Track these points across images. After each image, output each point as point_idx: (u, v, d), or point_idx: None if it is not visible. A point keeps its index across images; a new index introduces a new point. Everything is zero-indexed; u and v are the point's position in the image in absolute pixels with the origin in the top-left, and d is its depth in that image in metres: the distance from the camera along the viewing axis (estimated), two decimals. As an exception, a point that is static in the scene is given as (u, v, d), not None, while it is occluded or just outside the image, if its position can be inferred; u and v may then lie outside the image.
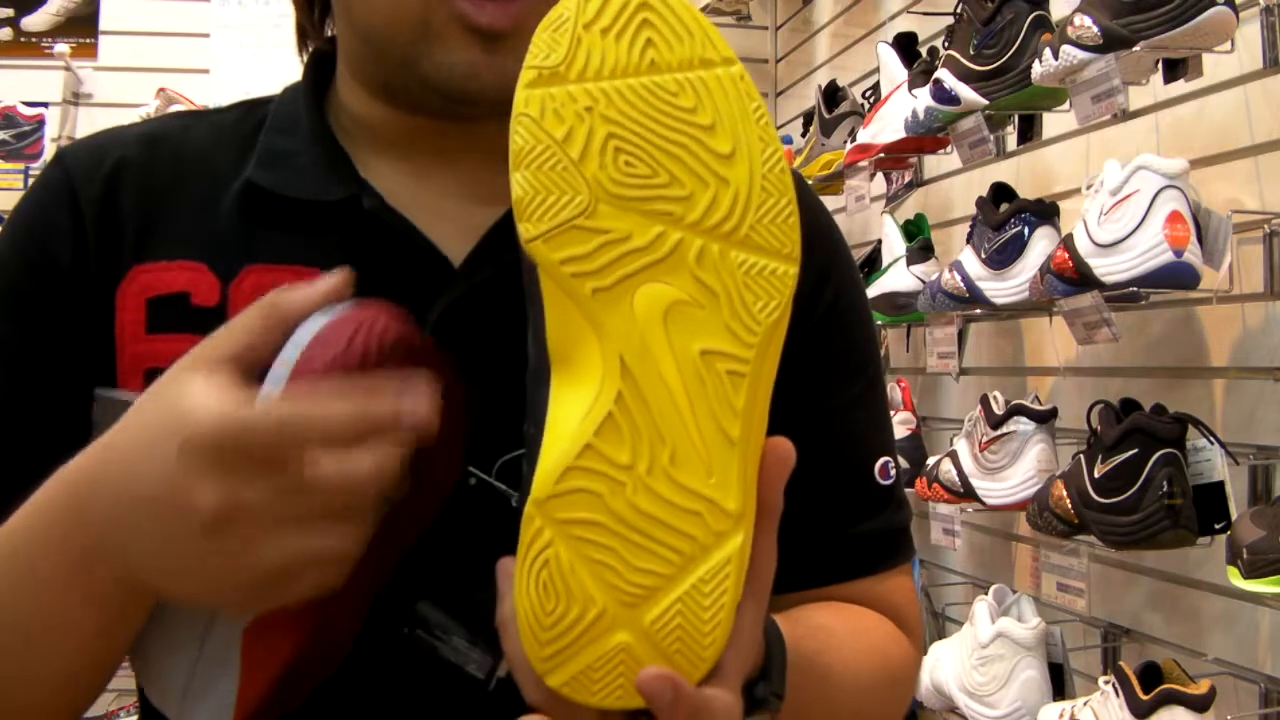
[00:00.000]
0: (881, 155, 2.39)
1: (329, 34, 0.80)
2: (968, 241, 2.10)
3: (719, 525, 0.53)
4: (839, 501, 0.79)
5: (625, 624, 0.52)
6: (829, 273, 0.80)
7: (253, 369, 0.56)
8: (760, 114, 0.55)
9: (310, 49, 0.81)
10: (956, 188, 2.54)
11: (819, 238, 0.78)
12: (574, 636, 0.52)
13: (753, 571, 0.54)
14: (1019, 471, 1.97)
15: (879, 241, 2.56)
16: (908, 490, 1.71)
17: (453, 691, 0.67)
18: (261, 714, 0.60)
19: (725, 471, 0.53)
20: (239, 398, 0.53)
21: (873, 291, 2.41)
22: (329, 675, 0.63)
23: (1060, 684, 1.92)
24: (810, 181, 2.43)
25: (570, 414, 0.53)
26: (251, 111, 0.78)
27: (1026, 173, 2.24)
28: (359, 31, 0.72)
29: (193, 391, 0.53)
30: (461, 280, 0.70)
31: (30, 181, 3.25)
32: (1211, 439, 1.63)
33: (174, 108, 3.02)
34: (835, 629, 0.74)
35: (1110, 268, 1.66)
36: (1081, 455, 1.75)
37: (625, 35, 0.55)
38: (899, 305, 2.36)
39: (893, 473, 0.81)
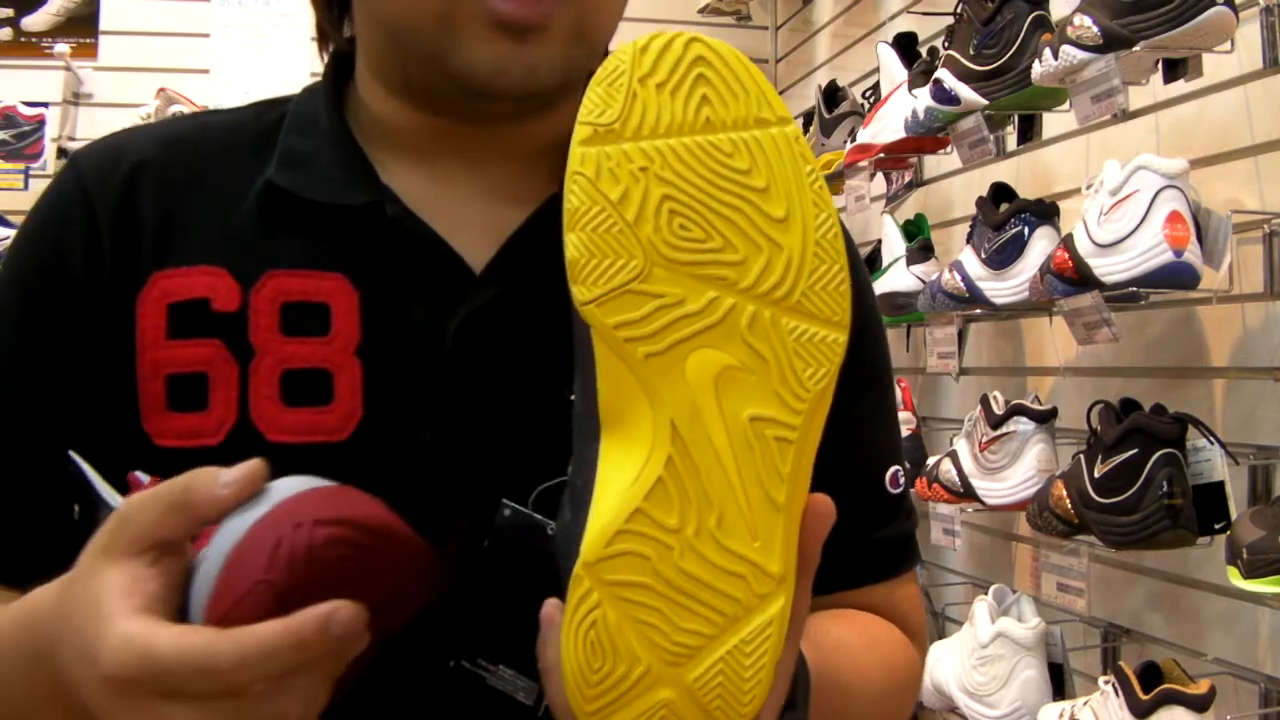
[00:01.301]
0: (881, 155, 2.39)
1: (348, 34, 0.78)
2: (968, 241, 2.10)
3: (762, 588, 0.53)
4: (852, 511, 0.77)
5: (669, 681, 0.53)
6: None
7: (164, 547, 0.53)
8: (815, 178, 0.55)
9: (330, 50, 0.79)
10: (956, 188, 2.54)
11: None
12: (619, 693, 0.53)
13: (795, 623, 0.55)
14: (1019, 471, 1.97)
15: (879, 241, 2.56)
16: (908, 490, 1.71)
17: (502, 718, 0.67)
18: None
19: (770, 535, 0.54)
20: (149, 625, 0.51)
21: (873, 291, 2.40)
22: None
23: (1060, 684, 1.92)
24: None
25: (620, 477, 0.53)
26: (269, 110, 0.77)
27: (1026, 173, 2.24)
28: (381, 27, 0.70)
29: (107, 606, 0.51)
30: (483, 288, 0.69)
31: (30, 182, 3.24)
32: (1211, 439, 1.63)
33: (174, 108, 3.02)
34: (851, 645, 0.75)
35: (1110, 268, 1.66)
36: (1081, 455, 1.75)
37: (681, 91, 0.54)
38: (899, 305, 2.36)
39: (902, 481, 0.83)
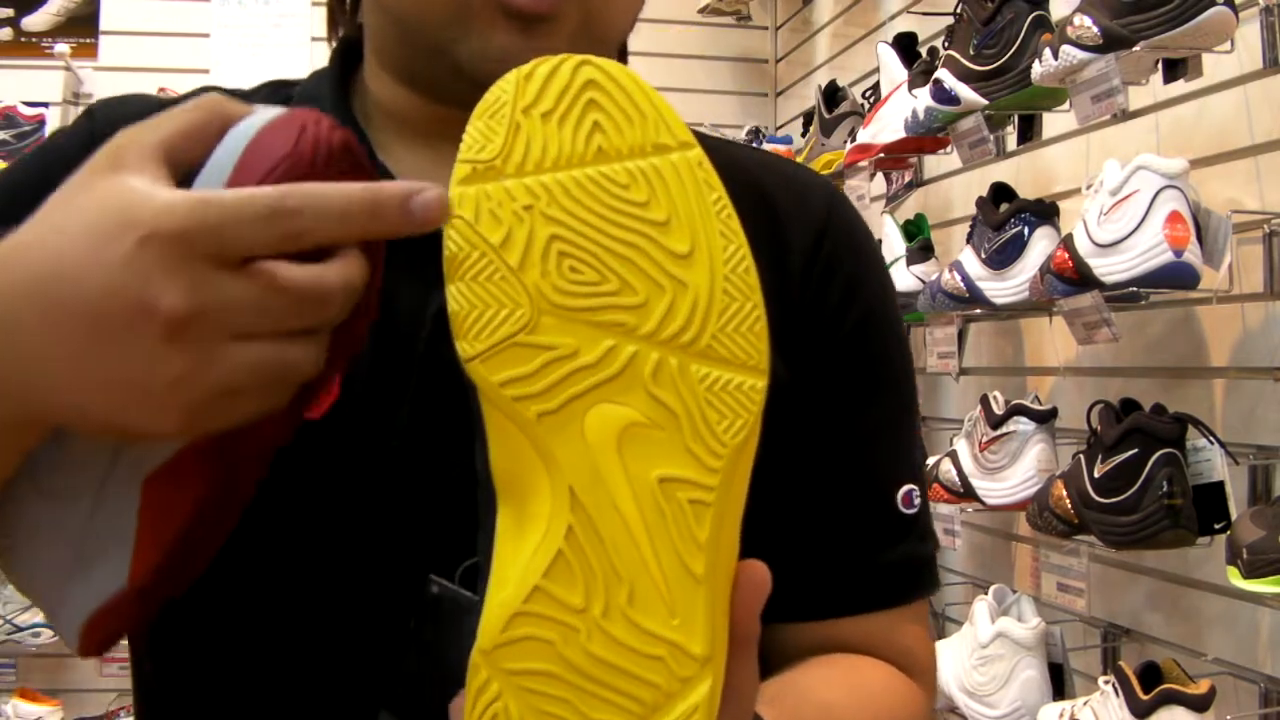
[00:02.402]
0: (881, 155, 2.39)
1: (359, 21, 0.77)
2: (968, 241, 2.10)
3: (684, 670, 0.47)
4: (853, 528, 0.74)
5: None
6: (859, 286, 0.76)
7: (178, 159, 0.49)
8: (721, 205, 0.49)
9: (340, 35, 0.78)
10: (956, 188, 2.54)
11: (850, 249, 0.76)
12: None
13: (733, 704, 0.49)
14: (1019, 471, 1.98)
15: (879, 242, 2.56)
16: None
17: None
18: (158, 583, 0.53)
19: (690, 611, 0.47)
20: (189, 192, 0.47)
21: (873, 291, 2.40)
22: (221, 542, 0.57)
23: (1060, 684, 1.92)
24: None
25: (517, 553, 0.48)
26: (276, 92, 0.76)
27: (1026, 173, 2.24)
28: (390, 16, 0.69)
29: (138, 183, 0.47)
30: None
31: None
32: (1211, 439, 1.63)
33: (174, 107, 3.02)
34: (838, 707, 0.69)
35: (1110, 268, 1.66)
36: (1081, 455, 1.75)
37: (570, 119, 0.49)
38: (899, 305, 2.36)
39: (917, 501, 0.76)
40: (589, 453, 0.48)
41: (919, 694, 0.75)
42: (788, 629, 0.72)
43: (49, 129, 3.14)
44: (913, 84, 2.28)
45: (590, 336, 0.48)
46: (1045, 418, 1.98)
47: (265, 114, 0.50)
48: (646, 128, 0.49)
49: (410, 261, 0.65)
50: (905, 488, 0.75)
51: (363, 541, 0.65)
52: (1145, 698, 1.56)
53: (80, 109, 3.47)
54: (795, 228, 0.74)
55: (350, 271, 0.48)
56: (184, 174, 0.49)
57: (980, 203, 2.09)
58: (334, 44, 0.78)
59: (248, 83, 0.78)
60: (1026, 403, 2.01)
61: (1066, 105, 1.79)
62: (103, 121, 0.71)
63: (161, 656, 0.70)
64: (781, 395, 0.71)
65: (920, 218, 2.48)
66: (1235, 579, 1.45)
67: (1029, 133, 2.04)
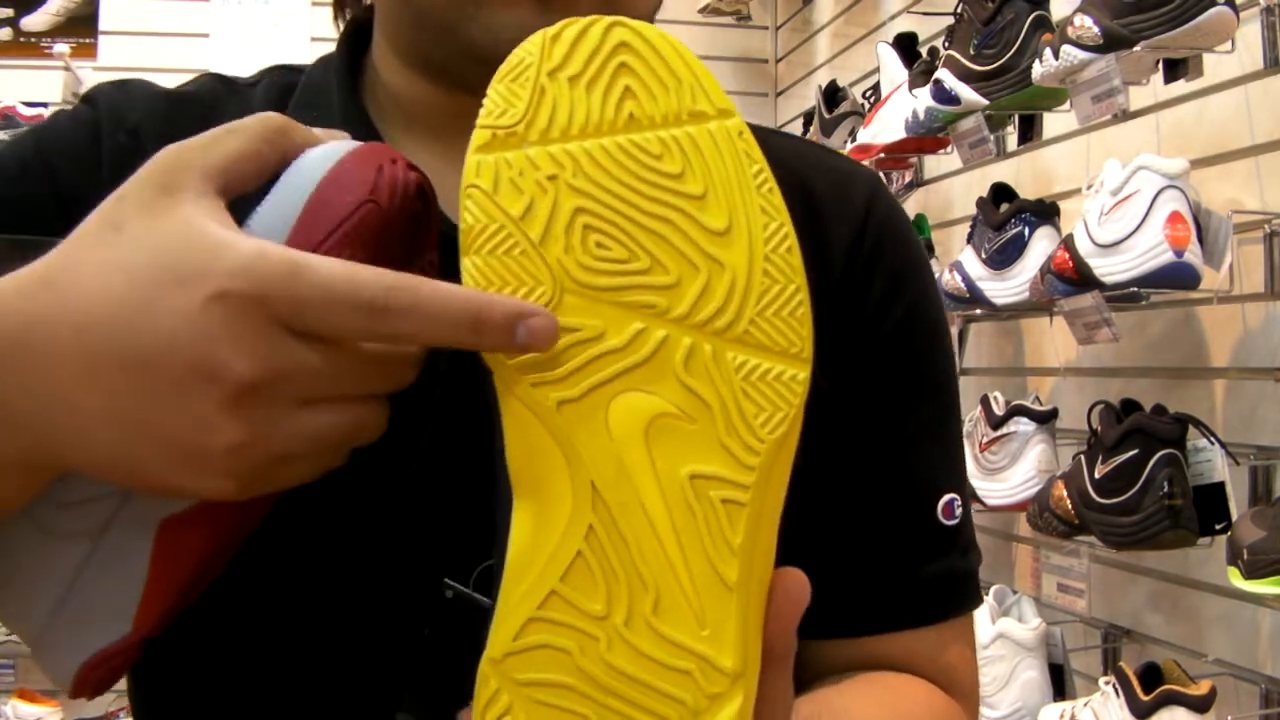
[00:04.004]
0: (881, 155, 2.39)
1: (367, 1, 0.72)
2: (968, 241, 2.10)
3: (713, 687, 0.43)
4: (891, 540, 0.70)
5: None
6: (903, 283, 0.71)
7: (233, 187, 0.46)
8: (763, 179, 0.45)
9: (347, 18, 0.73)
10: (956, 188, 2.54)
11: (893, 243, 0.72)
12: None
13: None
14: (1019, 472, 1.97)
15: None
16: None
17: None
18: (163, 621, 0.50)
19: (720, 622, 0.43)
20: (279, 245, 0.43)
21: (873, 292, 2.41)
22: (221, 572, 0.55)
23: (1060, 684, 1.92)
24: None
25: (532, 554, 0.44)
26: (281, 76, 0.72)
27: (1026, 173, 2.24)
28: None
29: (208, 225, 0.43)
30: None
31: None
32: (1212, 439, 1.63)
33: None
34: None
35: (1110, 268, 1.66)
36: (1082, 455, 1.75)
37: (599, 84, 0.45)
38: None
39: (958, 512, 0.71)
40: (613, 446, 0.44)
41: (961, 715, 0.70)
42: (822, 645, 0.69)
43: (49, 129, 3.14)
44: (913, 84, 2.28)
45: (617, 318, 0.44)
46: (1046, 418, 1.98)
47: (334, 149, 0.47)
48: (682, 94, 0.45)
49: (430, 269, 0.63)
50: (946, 497, 0.71)
51: (380, 547, 0.63)
52: (1146, 698, 1.56)
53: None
54: (836, 222, 0.70)
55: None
56: (235, 201, 0.46)
57: (980, 203, 2.09)
58: (341, 27, 0.74)
59: (247, 83, 0.75)
60: (1027, 403, 2.01)
61: (1067, 105, 1.79)
62: (106, 109, 0.68)
63: (167, 663, 0.68)
64: (819, 400, 0.69)
65: (920, 218, 2.47)
66: (1236, 580, 1.45)
67: (1029, 133, 2.04)
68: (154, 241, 0.43)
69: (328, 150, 0.47)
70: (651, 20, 0.69)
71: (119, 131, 0.67)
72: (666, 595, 0.43)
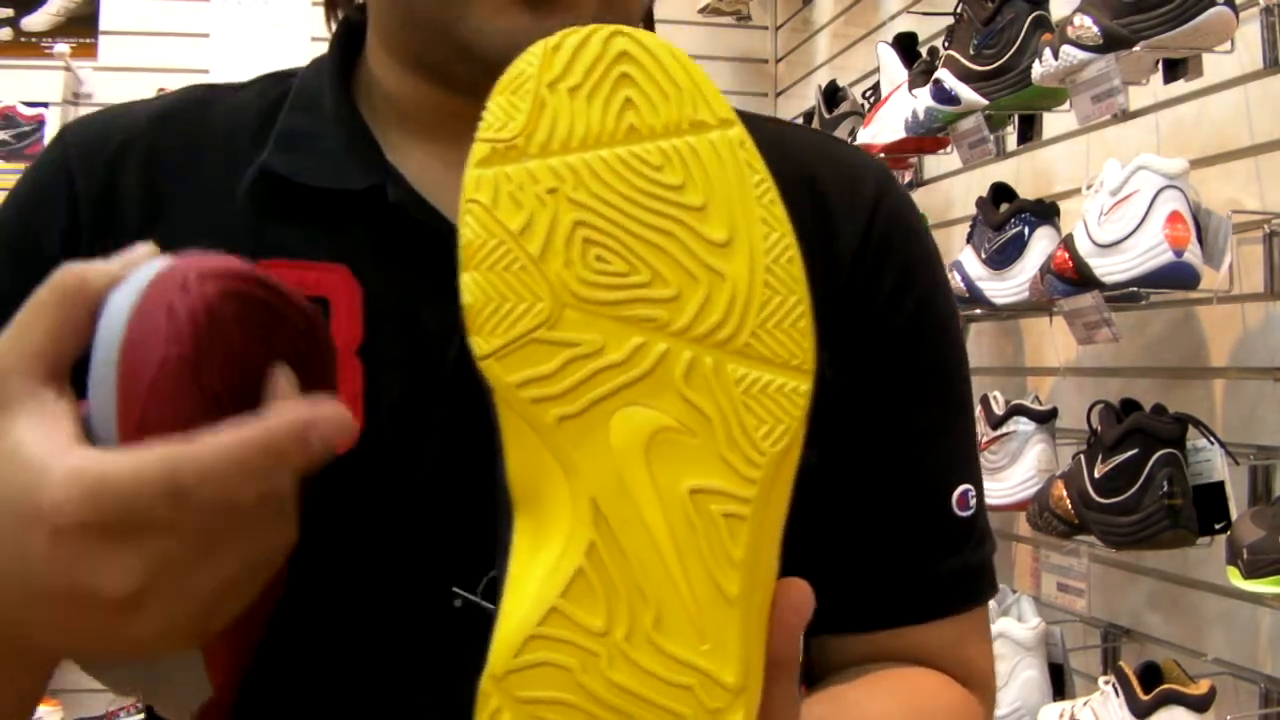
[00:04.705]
0: (881, 155, 2.39)
1: (359, 1, 0.71)
2: (968, 241, 2.10)
3: (715, 701, 0.43)
4: (908, 533, 0.69)
5: None
6: (913, 275, 0.70)
7: (63, 365, 0.46)
8: (764, 189, 0.45)
9: (339, 19, 0.73)
10: (956, 188, 2.54)
11: (903, 235, 0.71)
12: None
13: None
14: (1019, 472, 1.98)
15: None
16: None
17: None
18: (239, 677, 0.54)
19: (722, 636, 0.43)
20: (95, 455, 0.43)
21: (873, 291, 2.41)
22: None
23: (1060, 684, 1.92)
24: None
25: (533, 570, 0.44)
26: (273, 86, 0.70)
27: (1026, 173, 2.24)
28: None
29: (30, 449, 0.43)
30: None
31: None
32: (1211, 439, 1.63)
33: (174, 108, 3.02)
34: None
35: (1110, 268, 1.66)
36: (1081, 455, 1.75)
37: (599, 95, 0.45)
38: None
39: (973, 503, 0.71)
40: (613, 461, 0.44)
41: (978, 708, 0.70)
42: (839, 640, 0.69)
43: (49, 129, 3.14)
44: (913, 84, 2.28)
45: (617, 332, 0.44)
46: (1045, 418, 1.98)
47: (129, 293, 0.45)
48: (683, 103, 0.45)
49: (430, 278, 0.60)
50: (961, 489, 0.70)
51: (389, 556, 0.62)
52: (1145, 698, 1.56)
53: (80, 109, 3.45)
54: (845, 214, 0.69)
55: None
56: (76, 365, 0.46)
57: (980, 203, 2.09)
58: (333, 27, 0.73)
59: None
60: (1026, 403, 2.01)
61: (1066, 105, 1.79)
62: (74, 145, 0.68)
63: None
64: (831, 394, 0.66)
65: (920, 218, 2.47)
66: (1235, 579, 1.45)
67: (1029, 133, 2.04)
68: None
69: (122, 300, 0.45)
70: (647, 17, 0.69)
71: (94, 165, 0.66)
72: (668, 610, 0.43)
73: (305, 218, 0.64)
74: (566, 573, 0.43)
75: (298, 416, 0.43)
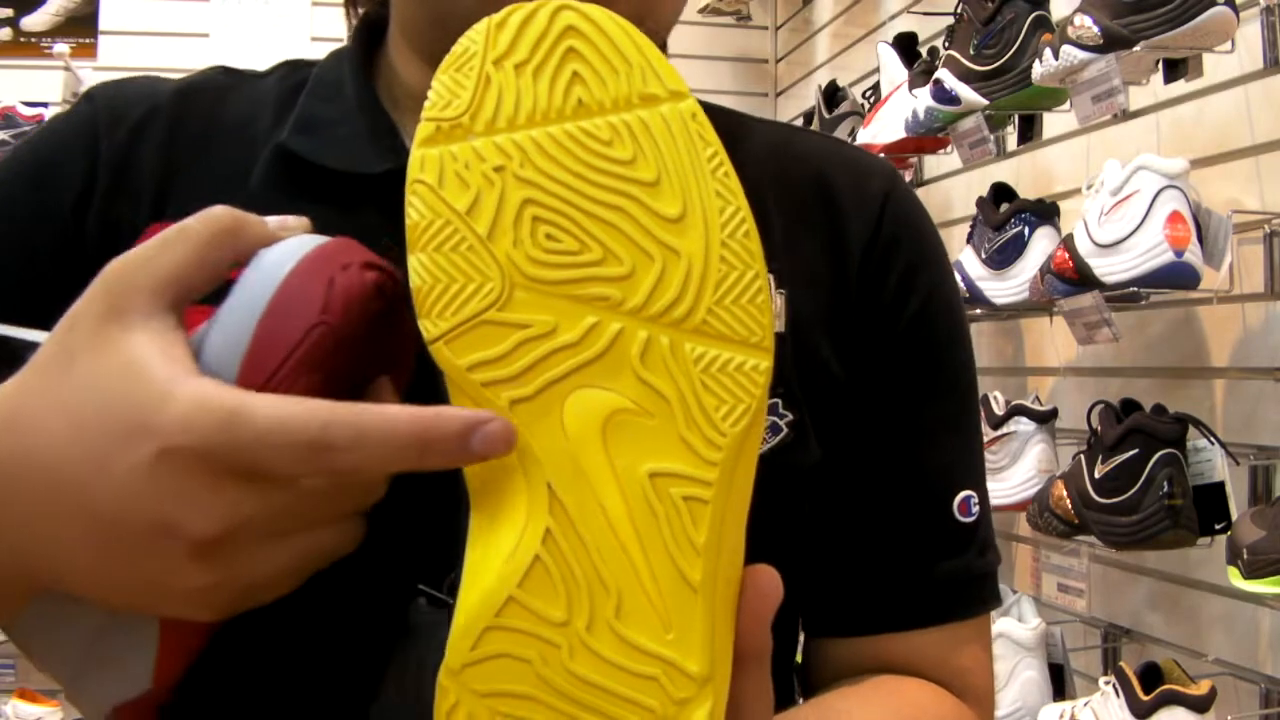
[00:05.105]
0: (882, 155, 2.39)
1: None
2: (968, 241, 2.10)
3: (680, 691, 0.41)
4: (906, 536, 0.68)
5: None
6: (919, 275, 0.70)
7: (189, 296, 0.45)
8: (717, 162, 0.44)
9: (360, 12, 0.73)
10: (956, 188, 2.54)
11: (910, 235, 0.71)
12: None
13: None
14: (1019, 472, 1.97)
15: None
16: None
17: None
18: (180, 675, 0.52)
19: (686, 624, 0.41)
20: (229, 389, 0.42)
21: (873, 291, 2.41)
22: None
23: (1060, 684, 1.92)
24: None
25: (489, 560, 0.42)
26: (293, 73, 0.71)
27: (1026, 173, 2.24)
28: None
29: (152, 364, 0.42)
30: None
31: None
32: (1212, 439, 1.63)
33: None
34: None
35: (1110, 268, 1.66)
36: (1082, 455, 1.75)
37: (546, 70, 0.44)
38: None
39: (975, 509, 0.70)
40: (569, 445, 0.42)
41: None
42: (834, 644, 0.68)
43: (49, 129, 3.14)
44: (913, 84, 2.28)
45: (569, 313, 0.43)
46: (1045, 418, 1.98)
47: (286, 254, 0.45)
48: (632, 77, 0.44)
49: None
50: (963, 494, 0.69)
51: (357, 556, 0.60)
52: (1146, 698, 1.56)
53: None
54: (853, 215, 0.69)
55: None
56: (196, 303, 0.45)
57: (980, 203, 2.09)
58: (352, 21, 0.73)
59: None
60: (1027, 403, 2.01)
61: (1067, 105, 1.79)
62: (104, 107, 0.68)
63: None
64: (837, 394, 0.66)
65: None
66: (1236, 579, 1.45)
67: (1029, 133, 2.04)
68: (101, 384, 0.43)
69: (279, 257, 0.45)
70: (677, 17, 0.68)
71: (118, 130, 0.66)
72: (629, 599, 0.42)
73: (319, 198, 0.63)
74: (523, 562, 0.42)
75: (463, 419, 0.42)
